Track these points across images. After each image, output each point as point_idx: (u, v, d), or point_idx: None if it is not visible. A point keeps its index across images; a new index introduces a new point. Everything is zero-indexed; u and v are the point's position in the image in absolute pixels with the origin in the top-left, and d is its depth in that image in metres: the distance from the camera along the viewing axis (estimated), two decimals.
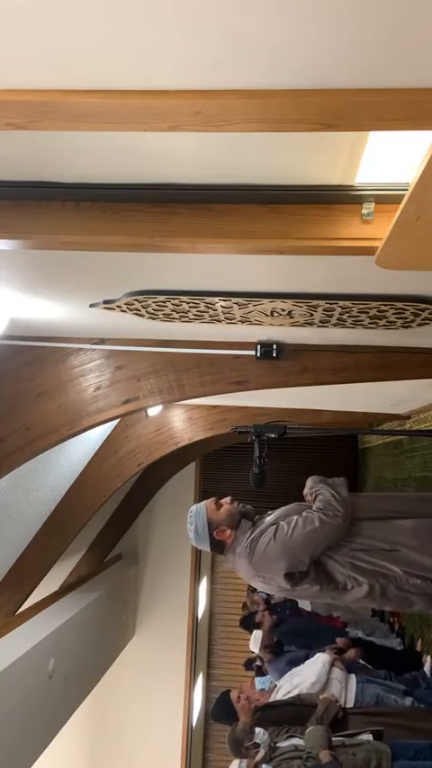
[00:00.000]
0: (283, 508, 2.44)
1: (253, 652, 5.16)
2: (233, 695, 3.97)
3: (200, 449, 8.54)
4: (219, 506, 2.45)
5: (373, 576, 2.24)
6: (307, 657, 4.58)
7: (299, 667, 4.20)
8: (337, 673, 4.01)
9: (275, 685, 4.13)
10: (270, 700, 3.91)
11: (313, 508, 2.31)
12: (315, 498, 2.34)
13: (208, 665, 9.80)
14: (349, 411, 6.38)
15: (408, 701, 3.97)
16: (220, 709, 4.01)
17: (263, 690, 4.12)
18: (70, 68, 1.01)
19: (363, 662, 4.65)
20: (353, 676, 4.06)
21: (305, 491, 2.44)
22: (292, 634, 5.12)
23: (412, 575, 2.22)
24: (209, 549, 2.47)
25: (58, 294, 2.55)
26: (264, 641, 4.98)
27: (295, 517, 2.30)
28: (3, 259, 2.08)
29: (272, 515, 2.42)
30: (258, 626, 5.18)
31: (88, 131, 1.21)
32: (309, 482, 2.44)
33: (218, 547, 2.44)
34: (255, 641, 5.03)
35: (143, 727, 9.42)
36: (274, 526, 2.31)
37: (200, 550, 9.80)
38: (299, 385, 3.48)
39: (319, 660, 4.06)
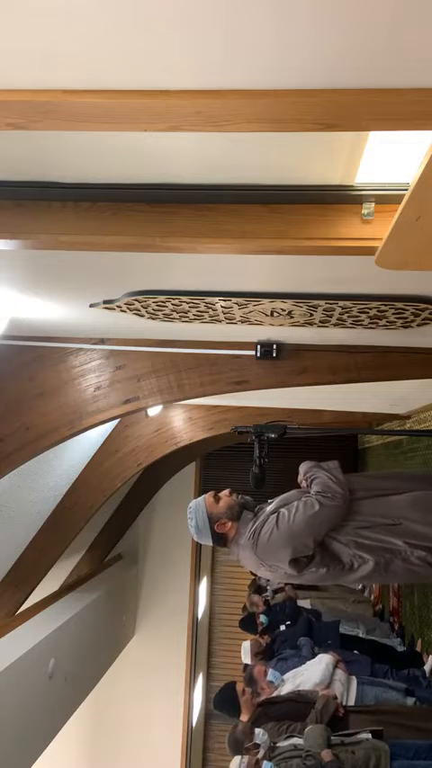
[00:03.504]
0: (282, 495, 2.44)
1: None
2: (239, 688, 3.98)
3: (200, 449, 8.54)
4: (218, 500, 2.46)
5: (377, 553, 2.25)
6: (296, 656, 4.59)
7: (303, 666, 4.21)
8: (340, 674, 4.03)
9: (283, 681, 4.15)
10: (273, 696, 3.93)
11: (312, 492, 2.31)
12: (311, 483, 2.35)
13: (208, 665, 9.80)
14: (349, 411, 6.37)
15: (410, 700, 3.98)
16: (224, 699, 4.02)
17: (271, 682, 4.12)
18: (70, 68, 1.01)
19: (358, 653, 4.66)
20: (354, 678, 4.07)
21: (299, 477, 2.44)
22: (289, 641, 5.10)
23: (416, 546, 2.23)
24: (211, 543, 2.48)
25: (58, 294, 2.55)
26: (253, 649, 4.97)
27: (295, 503, 2.30)
28: (3, 259, 2.08)
29: (272, 504, 2.42)
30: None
31: (88, 131, 1.21)
32: (302, 468, 2.44)
33: (220, 540, 2.44)
34: (245, 652, 5.03)
35: (143, 727, 9.42)
36: (276, 514, 2.31)
37: (200, 550, 9.82)
38: (299, 385, 3.48)
39: (323, 661, 4.08)
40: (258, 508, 2.45)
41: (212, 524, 2.41)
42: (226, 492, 2.49)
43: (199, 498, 2.51)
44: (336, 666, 4.07)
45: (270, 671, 4.20)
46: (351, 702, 3.89)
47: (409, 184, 1.24)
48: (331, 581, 2.43)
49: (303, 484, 2.41)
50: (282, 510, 2.31)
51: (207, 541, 2.47)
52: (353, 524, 2.28)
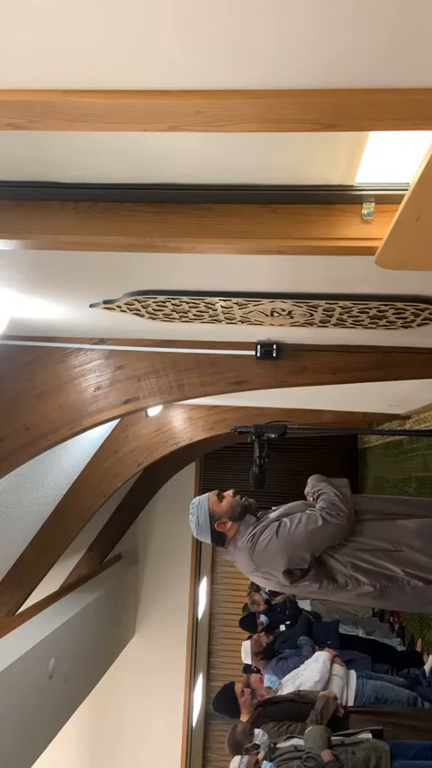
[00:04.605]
0: (287, 505, 2.44)
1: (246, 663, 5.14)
2: (237, 688, 3.98)
3: (200, 449, 8.54)
4: (221, 498, 2.46)
5: (375, 577, 2.23)
6: (296, 655, 4.59)
7: (301, 667, 4.21)
8: (338, 669, 4.03)
9: (280, 684, 4.15)
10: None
11: (317, 507, 2.30)
12: (317, 497, 2.33)
13: (208, 665, 9.80)
14: (349, 411, 6.38)
15: (411, 694, 3.99)
16: (223, 701, 4.02)
17: (269, 688, 4.12)
18: (70, 68, 1.01)
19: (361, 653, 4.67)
20: (353, 672, 4.07)
21: (306, 490, 2.43)
22: (289, 641, 5.10)
23: (414, 576, 2.21)
24: (210, 541, 2.48)
25: (58, 294, 2.55)
26: (253, 649, 4.98)
27: (299, 514, 2.30)
28: (3, 259, 2.08)
29: (276, 511, 2.42)
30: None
31: (88, 131, 1.21)
32: (311, 481, 2.44)
33: (219, 539, 2.45)
34: (245, 652, 5.03)
35: (143, 727, 9.42)
36: (277, 522, 2.31)
37: (200, 550, 9.82)
38: (299, 385, 3.48)
39: (320, 659, 4.08)
40: (261, 513, 2.45)
41: (213, 522, 2.42)
42: (230, 492, 2.50)
43: (202, 495, 2.52)
44: (332, 662, 4.08)
45: (266, 677, 4.19)
46: (351, 695, 3.89)
47: (409, 184, 1.24)
48: (322, 597, 2.43)
49: (310, 498, 2.41)
50: (284, 519, 2.31)
51: (206, 539, 2.47)
52: (354, 545, 2.27)
